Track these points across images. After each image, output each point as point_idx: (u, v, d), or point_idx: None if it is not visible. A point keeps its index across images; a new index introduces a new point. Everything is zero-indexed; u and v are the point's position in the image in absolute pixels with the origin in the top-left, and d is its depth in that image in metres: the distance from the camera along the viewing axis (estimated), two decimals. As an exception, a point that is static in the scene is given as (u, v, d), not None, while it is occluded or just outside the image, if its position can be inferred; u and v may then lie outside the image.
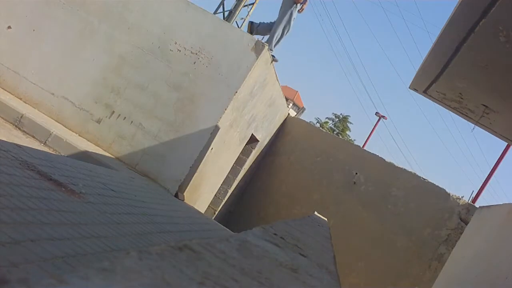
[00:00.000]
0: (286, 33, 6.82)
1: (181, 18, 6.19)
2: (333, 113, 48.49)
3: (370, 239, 7.81)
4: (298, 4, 6.78)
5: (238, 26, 13.91)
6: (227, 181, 8.25)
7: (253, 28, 7.07)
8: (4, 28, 6.38)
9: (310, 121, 11.69)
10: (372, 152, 8.64)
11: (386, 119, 31.82)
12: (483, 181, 14.79)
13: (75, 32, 6.31)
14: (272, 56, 6.64)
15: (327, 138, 9.28)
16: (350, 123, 42.16)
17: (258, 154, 8.89)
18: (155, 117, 6.04)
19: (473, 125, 5.46)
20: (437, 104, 5.63)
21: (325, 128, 35.93)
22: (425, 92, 5.35)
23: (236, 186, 8.68)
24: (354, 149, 9.05)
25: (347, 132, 41.18)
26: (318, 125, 36.41)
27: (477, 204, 8.00)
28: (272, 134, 9.17)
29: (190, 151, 5.93)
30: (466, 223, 6.91)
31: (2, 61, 6.30)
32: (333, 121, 41.72)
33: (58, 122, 6.08)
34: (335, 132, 38.33)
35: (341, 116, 41.95)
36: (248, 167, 8.74)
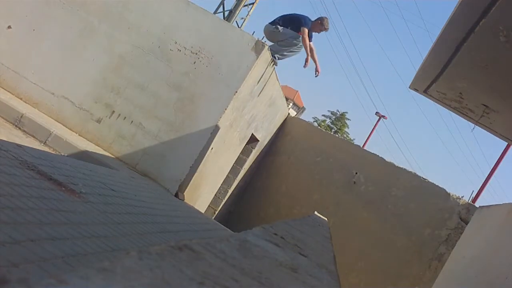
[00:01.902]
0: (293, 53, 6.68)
1: (181, 18, 6.19)
2: (328, 110, 47.90)
3: (370, 239, 7.81)
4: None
5: (238, 26, 13.91)
6: (227, 181, 8.25)
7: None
8: (4, 28, 6.38)
9: (308, 121, 11.67)
10: (372, 152, 8.64)
11: (386, 119, 31.82)
12: (483, 181, 14.79)
13: (75, 32, 6.31)
14: (273, 57, 6.62)
15: (327, 138, 9.28)
16: (348, 119, 41.73)
17: (258, 154, 8.89)
18: (155, 117, 6.05)
19: (473, 125, 5.45)
20: (437, 104, 5.63)
21: (323, 127, 35.75)
22: (425, 92, 5.34)
23: (236, 186, 8.69)
24: (354, 149, 9.05)
25: (346, 129, 40.81)
26: (316, 124, 36.28)
27: (477, 204, 7.99)
28: (272, 134, 9.17)
29: (190, 151, 5.93)
30: (466, 223, 6.91)
31: (2, 61, 6.31)
32: (330, 119, 41.31)
33: (58, 122, 6.08)
34: (333, 130, 38.08)
35: (338, 113, 41.50)
36: (248, 167, 8.74)
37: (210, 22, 6.17)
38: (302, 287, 0.89)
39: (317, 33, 6.85)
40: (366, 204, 8.07)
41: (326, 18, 6.74)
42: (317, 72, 6.93)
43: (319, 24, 6.65)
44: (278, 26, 6.57)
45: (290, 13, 6.91)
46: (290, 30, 6.58)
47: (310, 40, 6.70)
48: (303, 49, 6.69)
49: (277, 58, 6.64)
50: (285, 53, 6.72)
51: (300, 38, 6.58)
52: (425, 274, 7.31)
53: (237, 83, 5.96)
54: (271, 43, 6.74)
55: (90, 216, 2.83)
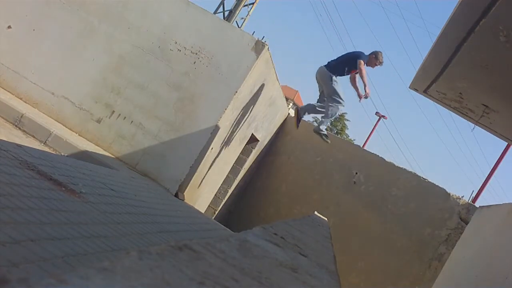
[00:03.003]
0: (340, 106, 6.28)
1: (181, 18, 6.19)
2: (328, 111, 47.42)
3: (370, 239, 7.81)
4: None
5: (238, 26, 13.91)
6: (227, 181, 8.25)
7: (300, 113, 6.40)
8: (4, 28, 6.38)
9: (308, 121, 11.65)
10: (372, 152, 8.65)
11: (386, 118, 31.81)
12: (483, 181, 14.79)
13: (75, 32, 6.32)
14: (325, 135, 6.33)
15: (327, 138, 9.26)
16: (348, 120, 41.64)
17: (258, 154, 8.89)
18: (155, 117, 6.05)
19: (473, 125, 5.45)
20: (437, 104, 5.63)
21: None
22: (425, 92, 5.34)
23: (236, 186, 8.69)
24: (354, 149, 9.05)
25: (346, 131, 40.73)
26: (315, 124, 36.11)
27: (477, 204, 7.99)
28: (272, 134, 9.17)
29: (190, 151, 5.93)
30: (466, 223, 6.91)
31: (2, 61, 6.31)
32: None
33: (58, 122, 6.08)
34: (333, 132, 38.05)
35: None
36: (248, 167, 8.75)
37: (210, 22, 6.17)
38: (302, 287, 0.89)
39: (371, 68, 6.47)
40: (366, 204, 8.07)
41: (380, 52, 6.33)
42: (361, 97, 6.34)
43: (374, 59, 6.29)
44: (335, 79, 6.17)
45: (344, 53, 6.47)
46: (340, 88, 6.18)
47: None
48: (335, 110, 6.27)
49: (324, 128, 6.33)
50: (328, 120, 6.40)
51: (342, 102, 6.21)
52: (425, 274, 7.31)
53: (237, 83, 5.96)
54: (319, 84, 6.42)
55: (90, 216, 2.83)
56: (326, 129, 6.47)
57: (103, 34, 6.27)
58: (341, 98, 6.20)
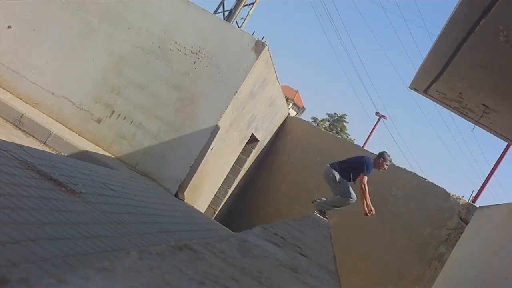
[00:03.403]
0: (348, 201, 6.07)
1: (181, 18, 6.19)
2: (327, 113, 47.93)
3: (370, 239, 7.80)
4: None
5: (238, 26, 13.91)
6: (227, 181, 8.25)
7: (319, 209, 6.22)
8: (4, 28, 6.38)
9: (308, 121, 11.65)
10: (372, 152, 8.64)
11: (386, 118, 31.81)
12: (483, 181, 14.79)
13: (75, 32, 6.32)
14: (324, 213, 6.18)
15: (327, 138, 9.28)
16: (346, 122, 41.95)
17: (258, 154, 8.89)
18: (155, 117, 6.05)
19: (473, 125, 5.45)
20: (437, 104, 5.63)
21: (322, 127, 35.88)
22: (425, 92, 5.34)
23: (236, 186, 8.69)
24: (354, 149, 9.04)
25: (345, 131, 41.01)
26: (315, 124, 36.40)
27: (477, 204, 7.99)
28: (272, 134, 9.17)
29: (190, 151, 5.94)
30: (466, 223, 6.91)
31: (2, 61, 6.31)
32: (328, 121, 41.58)
33: (58, 122, 6.08)
34: (333, 132, 38.21)
35: (336, 116, 41.75)
36: (248, 167, 8.74)
37: (210, 22, 6.17)
38: (302, 287, 0.89)
39: (379, 170, 6.29)
40: (366, 204, 8.05)
41: (385, 152, 6.18)
42: (365, 214, 6.14)
43: (382, 162, 6.11)
44: (337, 177, 5.99)
45: (351, 158, 6.25)
46: (348, 186, 6.02)
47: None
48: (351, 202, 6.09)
49: (325, 212, 6.20)
50: (334, 208, 6.28)
51: (352, 198, 6.04)
52: (425, 274, 7.31)
53: (237, 83, 5.97)
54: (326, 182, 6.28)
55: (90, 216, 2.83)
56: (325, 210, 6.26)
57: (103, 34, 6.27)
58: (350, 197, 6.04)
